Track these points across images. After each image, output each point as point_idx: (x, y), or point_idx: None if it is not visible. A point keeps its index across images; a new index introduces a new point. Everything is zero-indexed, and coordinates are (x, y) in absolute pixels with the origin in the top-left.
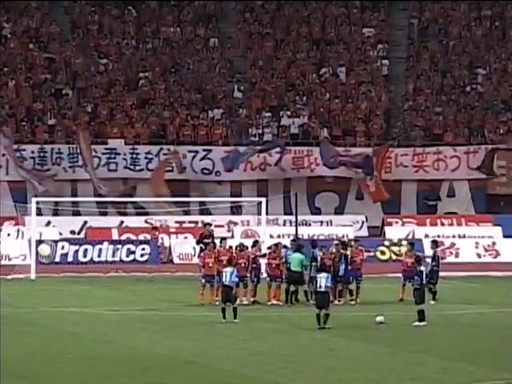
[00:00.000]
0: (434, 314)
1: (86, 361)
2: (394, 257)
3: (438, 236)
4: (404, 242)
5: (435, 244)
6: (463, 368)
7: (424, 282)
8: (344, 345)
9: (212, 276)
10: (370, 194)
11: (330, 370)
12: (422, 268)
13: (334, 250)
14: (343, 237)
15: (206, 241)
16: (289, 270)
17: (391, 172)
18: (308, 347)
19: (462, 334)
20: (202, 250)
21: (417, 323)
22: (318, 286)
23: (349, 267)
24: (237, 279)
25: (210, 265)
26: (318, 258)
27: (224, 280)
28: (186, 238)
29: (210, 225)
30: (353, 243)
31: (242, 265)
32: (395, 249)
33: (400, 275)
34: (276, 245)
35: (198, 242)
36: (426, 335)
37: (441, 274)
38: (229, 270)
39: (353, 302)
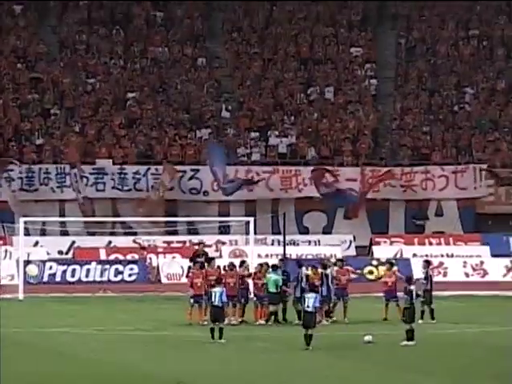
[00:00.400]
0: (423, 333)
1: (75, 381)
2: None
3: (426, 255)
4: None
5: (428, 264)
6: None
7: (414, 301)
8: (333, 364)
9: (200, 296)
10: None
11: None
12: (412, 287)
13: (320, 271)
14: (331, 256)
15: (199, 260)
16: (267, 290)
17: (379, 191)
18: (296, 367)
19: (450, 353)
20: (189, 268)
21: (405, 342)
22: (306, 305)
23: (333, 287)
24: (226, 299)
25: (199, 285)
26: (304, 278)
27: (213, 300)
28: (173, 257)
29: (204, 244)
30: (337, 263)
31: (232, 284)
32: (383, 268)
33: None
34: (261, 265)
35: (191, 260)
36: (414, 354)
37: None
38: (218, 290)
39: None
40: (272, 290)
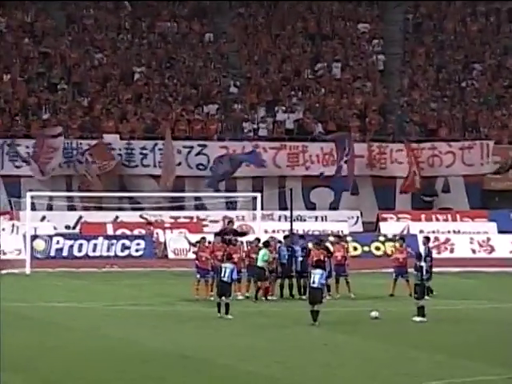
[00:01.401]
0: (429, 309)
1: (82, 354)
2: (388, 252)
3: (433, 232)
4: (397, 238)
5: (427, 240)
6: (457, 363)
7: (424, 277)
8: (339, 340)
9: (207, 271)
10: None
11: (325, 364)
12: (423, 263)
13: (330, 246)
14: (338, 232)
15: (227, 237)
16: (255, 266)
17: (386, 168)
18: (302, 342)
19: (456, 329)
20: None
21: (418, 318)
22: (312, 281)
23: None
24: (236, 276)
25: (203, 259)
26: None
27: (223, 276)
28: (180, 232)
29: (233, 222)
30: (333, 239)
31: (236, 259)
32: (390, 244)
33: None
34: (252, 242)
35: (216, 234)
36: (420, 330)
37: (436, 269)
38: (229, 266)
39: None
40: (259, 263)
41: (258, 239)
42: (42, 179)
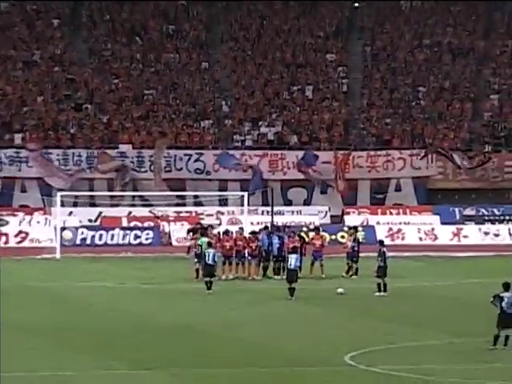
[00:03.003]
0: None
1: (102, 324)
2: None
3: (388, 223)
4: (360, 228)
5: (382, 243)
6: (408, 331)
7: (386, 260)
8: (312, 312)
9: (230, 256)
10: (338, 191)
11: (301, 333)
12: (384, 249)
13: (303, 236)
14: (310, 224)
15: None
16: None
17: (349, 172)
18: (281, 313)
19: (407, 303)
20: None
21: (379, 293)
22: (289, 264)
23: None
24: (216, 259)
25: (228, 247)
26: (285, 240)
27: (207, 260)
28: (182, 224)
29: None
30: (314, 230)
31: (228, 247)
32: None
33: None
34: (225, 232)
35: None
36: (378, 304)
37: (390, 254)
38: (211, 251)
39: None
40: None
41: (241, 228)
42: (65, 187)
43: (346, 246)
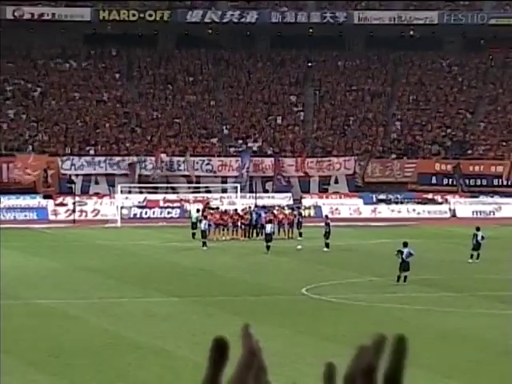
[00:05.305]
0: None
1: (146, 268)
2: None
3: (329, 204)
4: (302, 206)
5: (327, 217)
6: (343, 273)
7: (329, 229)
8: (280, 261)
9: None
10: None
11: (272, 273)
12: (328, 221)
13: (275, 212)
14: (279, 205)
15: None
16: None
17: (305, 171)
18: (260, 261)
19: (343, 255)
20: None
21: (325, 249)
22: (266, 230)
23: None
24: (207, 227)
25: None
26: (262, 216)
27: (200, 226)
28: (198, 205)
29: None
30: (283, 208)
31: (225, 219)
32: (306, 211)
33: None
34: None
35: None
36: (324, 255)
37: (332, 223)
38: (205, 221)
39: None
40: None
41: (236, 210)
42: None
43: (289, 218)
